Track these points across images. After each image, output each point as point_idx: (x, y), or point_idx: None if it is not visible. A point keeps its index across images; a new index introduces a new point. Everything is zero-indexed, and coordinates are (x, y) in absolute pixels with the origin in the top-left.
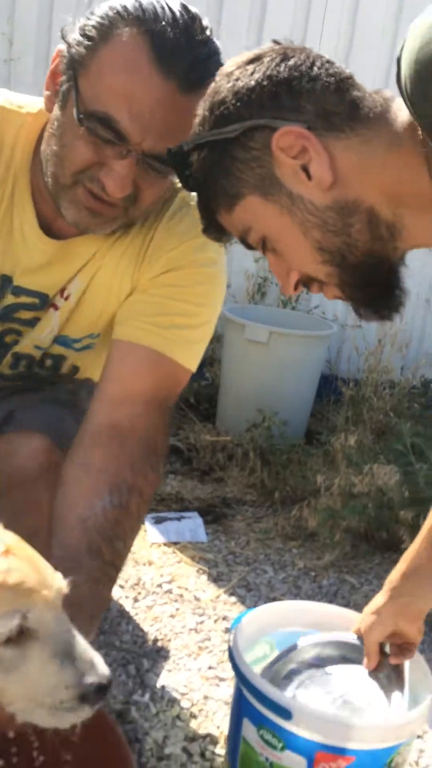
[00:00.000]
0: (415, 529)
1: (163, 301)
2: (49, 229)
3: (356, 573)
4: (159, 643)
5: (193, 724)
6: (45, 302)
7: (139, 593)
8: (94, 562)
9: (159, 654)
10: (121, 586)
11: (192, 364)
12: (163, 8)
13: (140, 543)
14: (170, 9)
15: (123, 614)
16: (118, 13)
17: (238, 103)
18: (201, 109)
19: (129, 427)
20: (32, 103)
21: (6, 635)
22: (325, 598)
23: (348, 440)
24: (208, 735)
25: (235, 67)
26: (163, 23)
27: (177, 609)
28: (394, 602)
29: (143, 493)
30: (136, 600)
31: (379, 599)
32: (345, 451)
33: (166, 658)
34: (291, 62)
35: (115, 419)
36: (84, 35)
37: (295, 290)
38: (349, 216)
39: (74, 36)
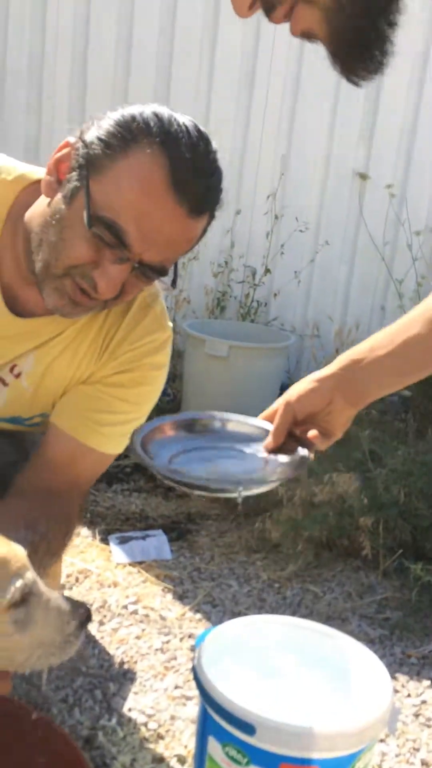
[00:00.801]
0: (374, 535)
1: (107, 399)
2: (12, 301)
3: (319, 582)
4: (125, 666)
5: (161, 745)
6: None
7: (105, 616)
8: None
9: (125, 677)
10: None
11: (119, 449)
12: (183, 131)
13: (105, 564)
14: (188, 132)
15: (89, 639)
16: (140, 128)
17: None
18: None
19: (52, 495)
20: (9, 168)
21: (18, 596)
22: (289, 609)
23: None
24: (176, 755)
25: None
26: (183, 149)
27: (143, 630)
28: (344, 373)
29: (51, 546)
30: (101, 623)
31: (325, 369)
32: None
33: (132, 680)
34: None
35: (41, 486)
36: (103, 141)
37: (249, 10)
38: None
39: (91, 137)
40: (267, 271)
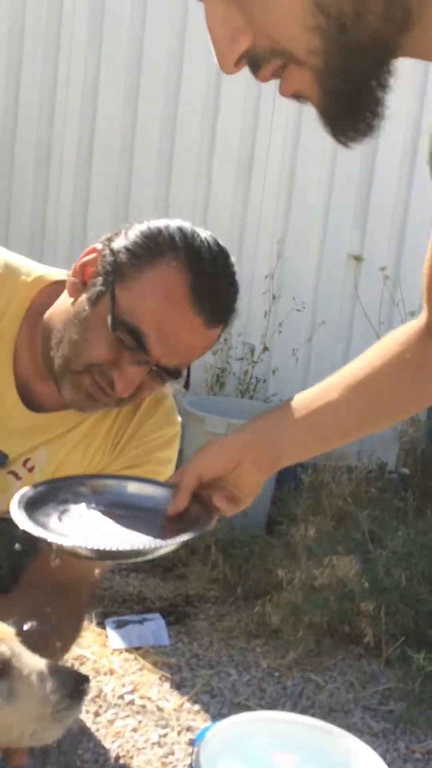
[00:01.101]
0: (376, 620)
1: None
2: (26, 395)
3: (320, 671)
4: (121, 761)
5: None
6: (2, 462)
7: (101, 706)
8: None
9: None
10: None
11: None
12: (205, 247)
13: (101, 650)
14: (210, 248)
15: (84, 731)
16: (166, 241)
17: None
18: None
19: (62, 587)
20: (29, 269)
21: None
22: (290, 700)
23: (308, 531)
24: None
25: None
26: (204, 264)
27: (139, 722)
28: (255, 436)
29: (61, 638)
30: (97, 714)
31: (236, 430)
32: (305, 543)
33: None
34: None
35: (51, 578)
36: (130, 251)
37: (235, 67)
38: None
39: (119, 246)
40: (265, 348)
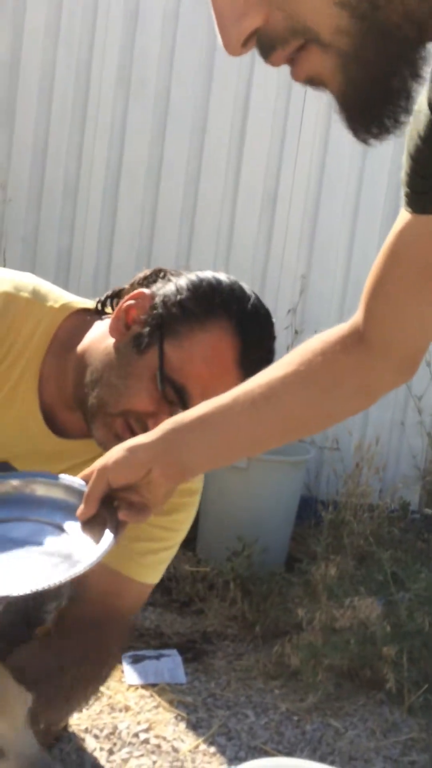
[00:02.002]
0: (398, 666)
1: (144, 526)
2: (50, 421)
3: (340, 716)
4: None
5: None
6: None
7: (115, 744)
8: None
9: None
10: (96, 736)
11: (157, 578)
12: (254, 313)
13: (117, 686)
14: (258, 312)
15: None
16: (220, 304)
17: None
18: None
19: (91, 627)
20: (56, 296)
21: None
22: (309, 745)
23: (328, 570)
24: None
25: None
26: (254, 331)
27: (154, 762)
28: (162, 443)
29: (84, 684)
30: (111, 752)
31: (145, 436)
32: (325, 582)
33: None
34: None
35: (81, 617)
36: (182, 307)
37: (243, 47)
38: None
39: (169, 298)
40: None
